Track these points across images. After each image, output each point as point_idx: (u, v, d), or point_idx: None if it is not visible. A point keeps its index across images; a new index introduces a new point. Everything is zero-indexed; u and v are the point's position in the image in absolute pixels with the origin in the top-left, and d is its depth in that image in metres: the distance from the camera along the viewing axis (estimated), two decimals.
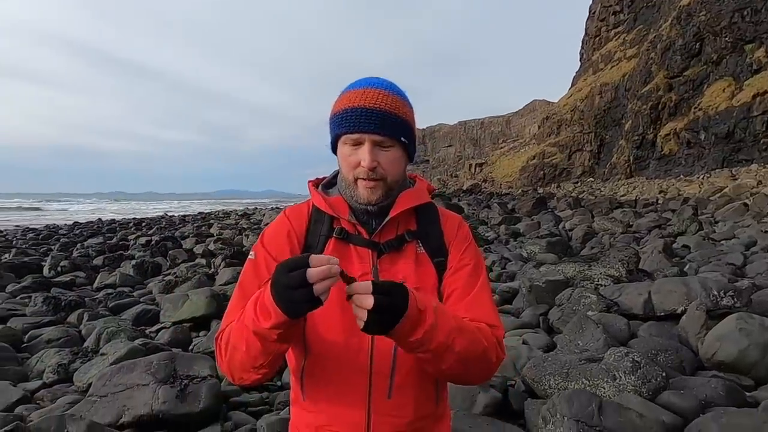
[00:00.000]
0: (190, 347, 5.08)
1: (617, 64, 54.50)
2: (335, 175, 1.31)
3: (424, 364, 1.10)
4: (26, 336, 5.55)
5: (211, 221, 27.12)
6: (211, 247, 12.77)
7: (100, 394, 3.39)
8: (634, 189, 32.75)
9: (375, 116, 1.12)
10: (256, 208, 43.58)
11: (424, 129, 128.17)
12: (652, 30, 47.30)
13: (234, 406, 3.63)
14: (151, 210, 61.70)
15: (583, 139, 52.73)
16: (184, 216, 36.54)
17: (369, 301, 0.91)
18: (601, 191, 35.64)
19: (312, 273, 0.90)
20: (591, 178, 48.92)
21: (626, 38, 56.97)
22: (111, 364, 3.93)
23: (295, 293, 0.91)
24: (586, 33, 70.85)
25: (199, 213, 41.19)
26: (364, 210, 1.20)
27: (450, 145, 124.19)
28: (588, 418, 2.36)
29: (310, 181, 1.33)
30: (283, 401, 3.64)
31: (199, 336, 5.58)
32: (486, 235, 13.32)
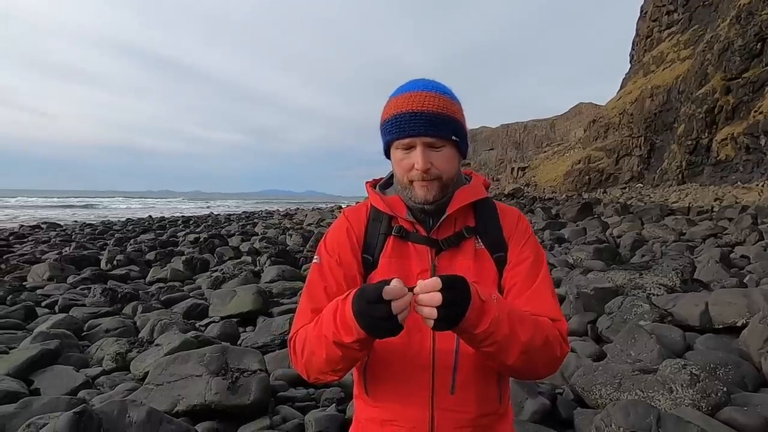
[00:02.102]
0: (239, 342, 5.22)
1: (670, 66, 52.33)
2: (392, 176, 1.32)
3: (489, 359, 1.09)
4: (86, 325, 5.85)
5: (256, 220, 27.82)
6: (257, 245, 13.09)
7: (156, 383, 3.54)
8: (686, 196, 31.32)
9: (423, 119, 1.13)
10: (298, 209, 44.38)
11: None
12: (708, 30, 45.16)
13: (281, 400, 3.71)
14: (198, 208, 63.77)
15: (632, 144, 50.90)
16: (230, 215, 37.62)
17: (437, 298, 0.92)
18: (650, 197, 34.25)
19: (396, 306, 0.94)
20: (640, 184, 47.13)
21: (680, 39, 54.62)
22: (165, 355, 4.09)
23: (382, 323, 0.95)
24: (637, 34, 68.38)
25: (243, 212, 42.28)
26: (421, 208, 1.21)
27: (492, 149, 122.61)
28: (645, 430, 2.28)
29: (367, 183, 1.35)
30: (329, 398, 3.70)
31: (246, 331, 5.73)
32: None
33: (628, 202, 28.25)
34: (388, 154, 1.24)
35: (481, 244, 1.22)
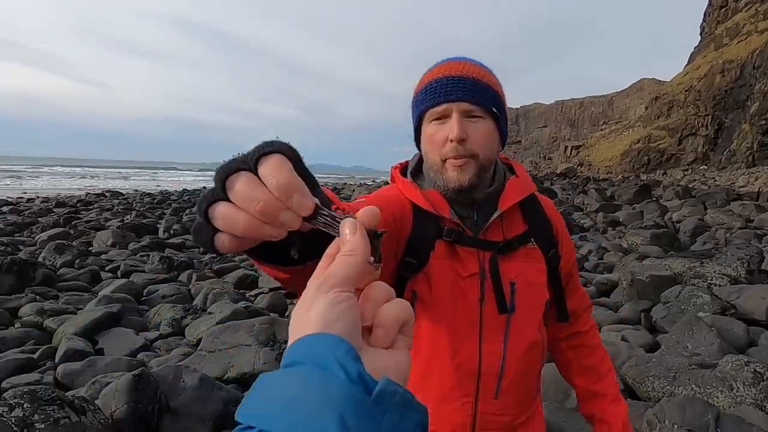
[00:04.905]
0: (286, 313, 5.37)
1: (746, 39, 48.42)
2: (419, 161, 1.16)
3: None
4: (145, 290, 6.18)
5: None
6: None
7: (208, 350, 3.70)
8: (756, 180, 29.26)
9: (461, 83, 1.01)
10: (345, 184, 44.84)
11: (517, 108, 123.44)
12: None
13: None
14: None
15: (698, 123, 47.84)
16: None
17: None
18: (715, 181, 32.25)
19: (220, 212, 0.42)
20: (704, 166, 44.44)
21: (759, 9, 50.29)
22: (217, 323, 4.27)
23: (200, 221, 0.44)
24: (709, 4, 63.51)
25: None
26: (468, 201, 1.08)
27: (545, 126, 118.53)
28: (702, 429, 2.17)
29: (394, 168, 1.17)
30: None
31: (293, 303, 5.88)
32: (582, 222, 12.65)
33: (690, 185, 26.77)
34: (418, 141, 1.12)
35: (533, 242, 1.12)
